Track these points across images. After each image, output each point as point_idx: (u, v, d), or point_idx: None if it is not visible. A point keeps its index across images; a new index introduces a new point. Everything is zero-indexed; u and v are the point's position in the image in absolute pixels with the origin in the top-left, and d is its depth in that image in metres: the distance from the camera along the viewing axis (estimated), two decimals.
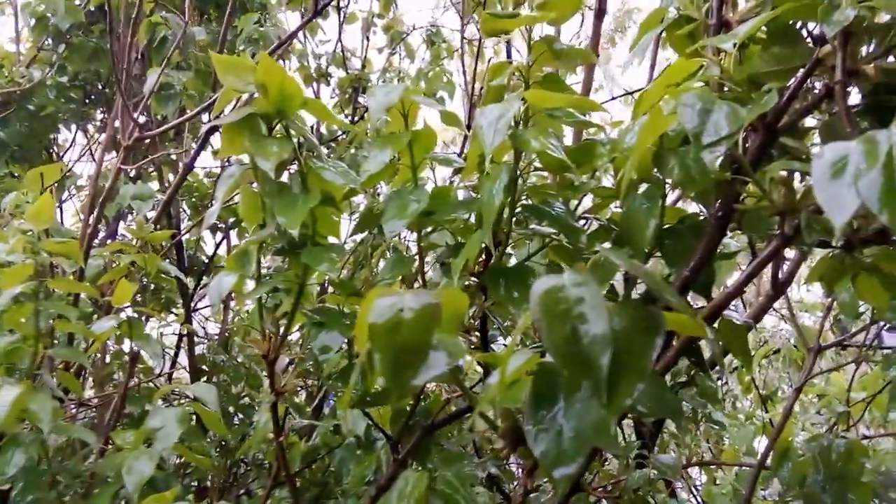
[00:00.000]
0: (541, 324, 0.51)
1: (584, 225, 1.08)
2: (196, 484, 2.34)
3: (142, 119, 2.23)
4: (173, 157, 2.75)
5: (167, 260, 2.39)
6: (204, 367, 2.71)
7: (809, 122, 0.94)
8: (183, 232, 2.73)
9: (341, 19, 3.53)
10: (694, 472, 2.62)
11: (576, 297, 0.50)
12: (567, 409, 0.51)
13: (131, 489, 1.12)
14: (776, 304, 2.69)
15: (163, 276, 1.77)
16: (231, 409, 2.35)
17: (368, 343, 0.60)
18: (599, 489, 1.45)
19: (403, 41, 4.12)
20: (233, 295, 1.21)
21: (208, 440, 2.00)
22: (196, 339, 2.92)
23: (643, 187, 0.93)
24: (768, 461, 1.36)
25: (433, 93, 3.72)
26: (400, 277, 1.19)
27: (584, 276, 0.51)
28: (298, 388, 2.00)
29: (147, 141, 2.19)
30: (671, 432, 2.07)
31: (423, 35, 3.99)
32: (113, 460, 1.33)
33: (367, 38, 3.85)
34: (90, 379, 2.47)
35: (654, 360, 0.92)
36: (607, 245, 1.01)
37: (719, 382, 2.99)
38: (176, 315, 2.74)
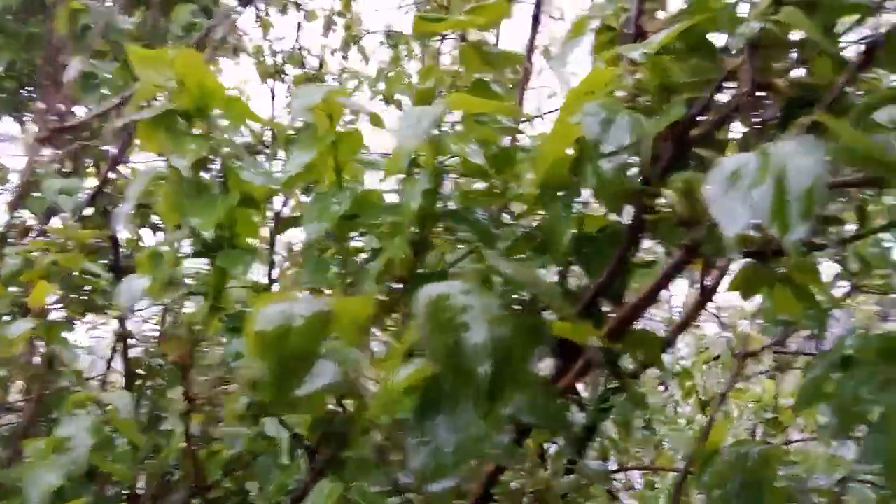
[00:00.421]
0: (425, 332, 0.49)
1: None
2: (128, 492, 2.27)
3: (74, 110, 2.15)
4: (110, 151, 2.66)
5: (107, 259, 2.31)
6: (140, 370, 2.62)
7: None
8: (117, 230, 2.64)
9: (301, 17, 3.49)
10: (638, 477, 2.65)
11: (461, 306, 0.49)
12: (448, 421, 0.50)
13: (34, 501, 1.07)
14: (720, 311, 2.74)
15: (88, 276, 1.70)
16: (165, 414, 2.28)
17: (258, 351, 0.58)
18: (528, 494, 1.45)
19: (358, 42, 4.08)
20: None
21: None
22: (134, 341, 2.83)
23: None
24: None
25: (391, 95, 3.69)
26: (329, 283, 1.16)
27: (472, 285, 0.50)
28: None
29: (78, 133, 2.11)
30: (612, 438, 2.09)
31: (382, 37, 3.96)
32: (23, 470, 1.27)
33: (326, 37, 3.81)
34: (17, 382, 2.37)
35: (559, 370, 0.92)
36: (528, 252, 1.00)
37: (662, 388, 3.04)
38: (113, 317, 2.65)
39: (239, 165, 1.06)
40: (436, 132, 0.95)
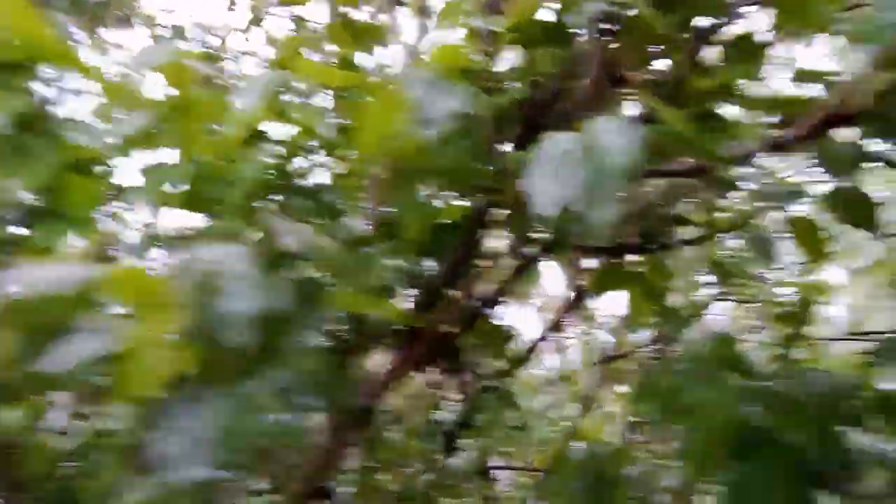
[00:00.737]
0: (181, 297, 0.43)
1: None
2: None
3: None
4: None
5: None
6: None
7: None
8: None
9: None
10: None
11: (219, 270, 0.43)
12: (205, 403, 0.44)
13: None
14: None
15: None
16: None
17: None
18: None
19: (260, 23, 3.93)
20: None
21: None
22: None
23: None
24: None
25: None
26: None
27: (238, 248, 0.44)
28: None
29: None
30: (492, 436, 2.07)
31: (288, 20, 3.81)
32: None
33: (230, 15, 3.63)
34: None
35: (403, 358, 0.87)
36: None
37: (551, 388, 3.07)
38: None
39: (63, 124, 0.95)
40: (284, 100, 0.88)
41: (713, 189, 0.89)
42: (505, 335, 0.92)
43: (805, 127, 0.54)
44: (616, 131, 0.52)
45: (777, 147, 0.56)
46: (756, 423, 0.57)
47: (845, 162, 0.76)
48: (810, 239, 0.82)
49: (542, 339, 1.56)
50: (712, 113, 0.69)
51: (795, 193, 0.81)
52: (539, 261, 0.90)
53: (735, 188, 0.87)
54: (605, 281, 1.00)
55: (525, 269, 0.89)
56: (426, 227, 0.88)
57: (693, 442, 0.60)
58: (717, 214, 0.92)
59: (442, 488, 1.44)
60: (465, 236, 0.80)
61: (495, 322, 0.91)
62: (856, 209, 0.80)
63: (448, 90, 0.61)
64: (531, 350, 1.60)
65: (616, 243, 0.91)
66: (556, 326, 1.53)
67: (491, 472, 1.62)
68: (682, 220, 0.92)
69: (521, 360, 1.63)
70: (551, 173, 0.53)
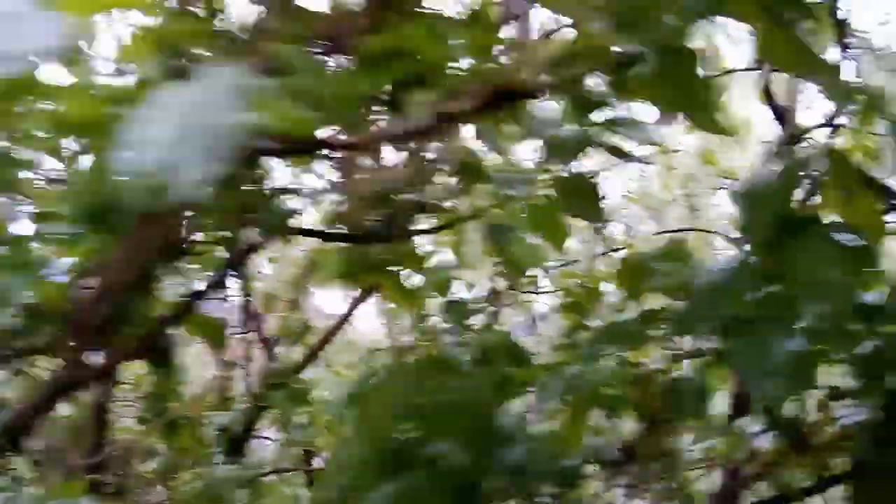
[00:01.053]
0: None
1: None
2: None
3: None
4: None
5: None
6: None
7: None
8: None
9: None
10: None
11: None
12: None
13: None
14: None
15: None
16: None
17: None
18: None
19: None
20: None
21: None
22: None
23: None
24: None
25: None
26: None
27: None
28: None
29: None
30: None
31: None
32: None
33: None
34: None
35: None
36: None
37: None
38: None
39: None
40: None
41: (461, 175, 0.83)
42: (218, 326, 0.81)
43: (477, 99, 0.48)
44: (215, 87, 0.43)
45: (450, 119, 0.49)
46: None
47: (569, 148, 0.73)
48: (548, 225, 0.78)
49: (334, 332, 1.48)
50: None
51: (530, 180, 0.76)
52: (256, 248, 0.80)
53: (480, 175, 0.82)
54: (352, 270, 0.92)
55: (240, 259, 0.79)
56: None
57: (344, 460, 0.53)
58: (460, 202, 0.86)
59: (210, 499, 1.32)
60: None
61: (207, 314, 0.80)
62: (580, 197, 0.76)
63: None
64: (323, 343, 1.51)
65: (359, 231, 0.83)
66: (334, 329, 1.45)
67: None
68: (429, 207, 0.86)
69: (313, 354, 1.54)
70: (146, 131, 0.44)
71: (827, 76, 0.49)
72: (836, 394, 0.80)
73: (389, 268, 0.93)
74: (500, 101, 0.47)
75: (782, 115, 1.64)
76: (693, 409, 0.70)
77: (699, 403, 0.69)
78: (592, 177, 0.78)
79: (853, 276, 0.53)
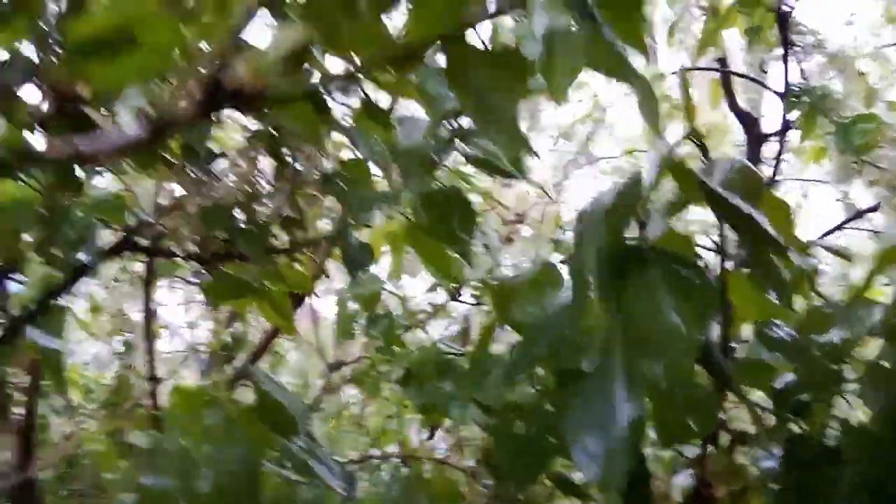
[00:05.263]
0: None
1: None
2: None
3: None
4: None
5: None
6: None
7: None
8: None
9: None
10: None
11: None
12: None
13: None
14: None
15: None
16: None
17: None
18: None
19: None
20: None
21: None
22: None
23: None
24: None
25: None
26: None
27: None
28: None
29: None
30: None
31: None
32: None
33: None
34: None
35: None
36: None
37: None
38: None
39: None
40: None
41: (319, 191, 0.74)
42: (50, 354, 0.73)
43: (192, 104, 0.38)
44: None
45: (167, 125, 0.40)
46: None
47: (418, 163, 0.63)
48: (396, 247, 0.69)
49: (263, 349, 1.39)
50: None
51: (382, 200, 0.67)
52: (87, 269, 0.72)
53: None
54: (219, 293, 0.84)
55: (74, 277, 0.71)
56: None
57: None
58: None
59: None
60: None
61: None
62: (449, 213, 0.67)
63: None
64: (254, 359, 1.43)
65: (204, 251, 0.74)
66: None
67: None
68: (289, 223, 0.77)
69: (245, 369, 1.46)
70: None
71: (639, 85, 0.39)
72: (741, 439, 0.71)
73: (264, 286, 0.84)
74: (221, 103, 0.38)
75: (744, 119, 1.55)
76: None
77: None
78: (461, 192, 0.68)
79: (694, 322, 0.43)
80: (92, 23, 0.37)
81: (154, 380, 1.52)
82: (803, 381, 0.64)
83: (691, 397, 0.54)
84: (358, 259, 0.71)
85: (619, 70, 0.38)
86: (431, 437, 1.43)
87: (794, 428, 0.66)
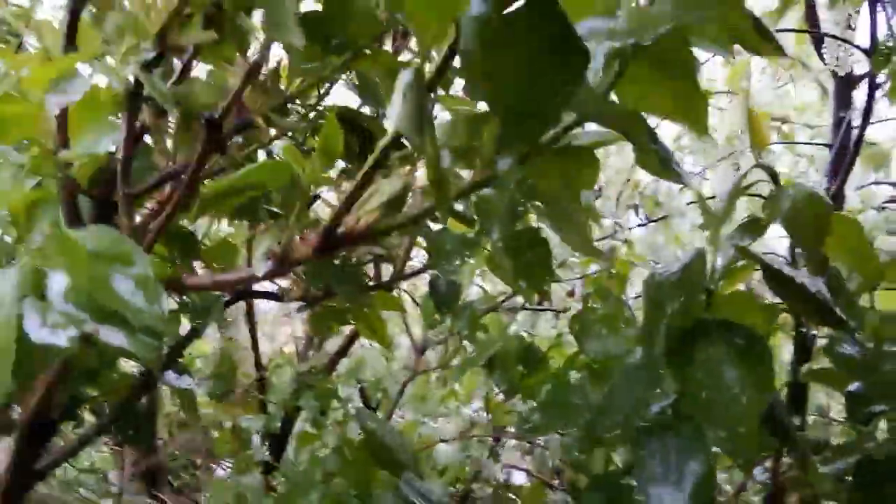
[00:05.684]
0: None
1: None
2: None
3: None
4: None
5: None
6: None
7: None
8: None
9: None
10: None
11: None
12: None
13: None
14: None
15: None
16: None
17: None
18: None
19: None
20: None
21: None
22: None
23: None
24: None
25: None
26: None
27: None
28: None
29: None
30: None
31: None
32: None
33: None
34: None
35: None
36: None
37: None
38: None
39: None
40: None
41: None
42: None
43: (310, 247, 0.46)
44: None
45: (291, 264, 0.48)
46: None
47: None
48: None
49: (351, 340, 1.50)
50: None
51: (468, 245, 0.73)
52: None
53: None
54: (321, 323, 0.93)
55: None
56: None
57: None
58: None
59: None
60: None
61: None
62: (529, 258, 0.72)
63: None
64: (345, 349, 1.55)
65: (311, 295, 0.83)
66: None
67: None
68: (380, 260, 0.85)
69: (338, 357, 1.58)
70: None
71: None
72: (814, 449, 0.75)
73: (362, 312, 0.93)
74: (336, 246, 0.44)
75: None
76: None
77: None
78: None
79: (755, 389, 0.48)
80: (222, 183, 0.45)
81: (259, 367, 1.68)
82: (872, 395, 0.67)
83: None
84: (445, 298, 0.78)
85: None
86: None
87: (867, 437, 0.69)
